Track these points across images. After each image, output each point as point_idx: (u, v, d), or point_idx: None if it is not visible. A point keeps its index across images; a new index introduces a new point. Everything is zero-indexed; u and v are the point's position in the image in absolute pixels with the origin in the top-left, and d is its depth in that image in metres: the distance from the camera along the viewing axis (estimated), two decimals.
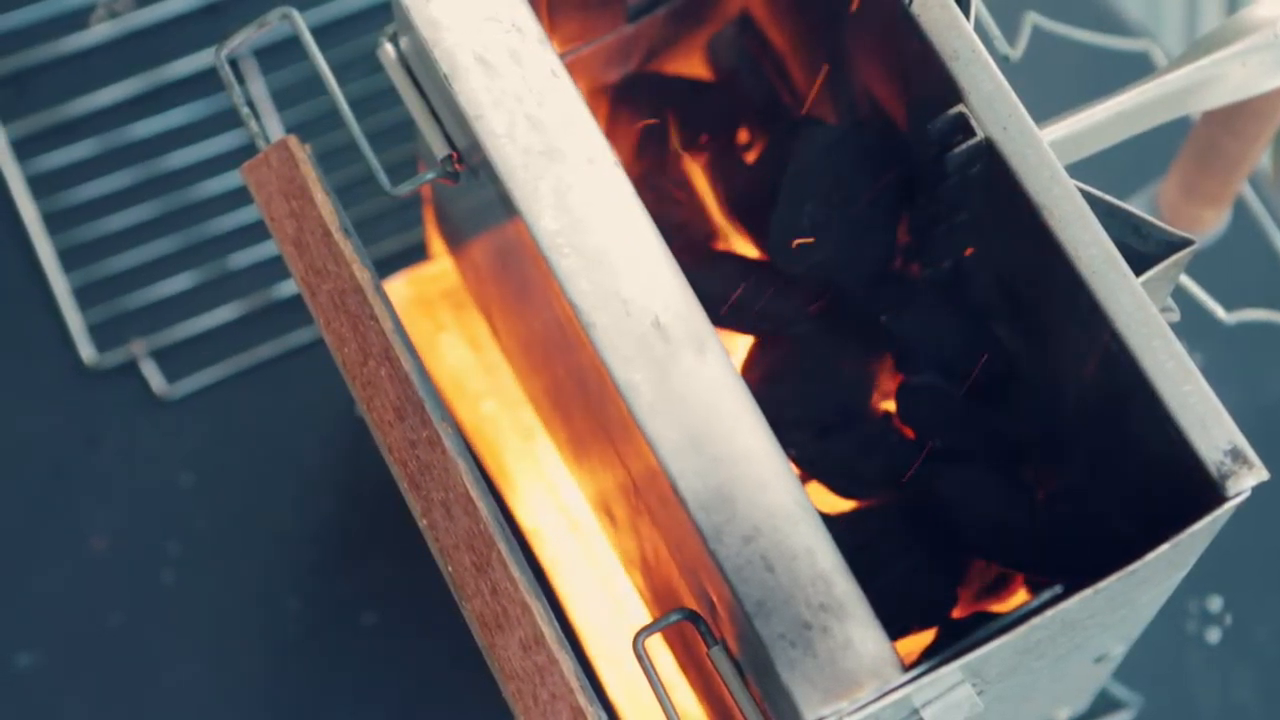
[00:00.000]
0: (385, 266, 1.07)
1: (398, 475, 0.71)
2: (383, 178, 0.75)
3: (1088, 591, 0.65)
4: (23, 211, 1.12)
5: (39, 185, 1.13)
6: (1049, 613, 0.65)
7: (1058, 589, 0.66)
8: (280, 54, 1.15)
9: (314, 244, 0.74)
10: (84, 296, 1.11)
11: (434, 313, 1.02)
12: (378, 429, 0.72)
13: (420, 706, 1.05)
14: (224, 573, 1.07)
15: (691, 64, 0.87)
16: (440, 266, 1.01)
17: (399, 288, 1.01)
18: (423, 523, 0.71)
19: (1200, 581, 1.03)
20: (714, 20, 0.86)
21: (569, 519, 0.98)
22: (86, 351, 1.10)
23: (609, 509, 0.85)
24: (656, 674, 0.66)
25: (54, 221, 1.12)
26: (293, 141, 0.75)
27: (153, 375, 1.10)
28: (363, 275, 0.73)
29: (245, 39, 0.76)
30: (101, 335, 1.11)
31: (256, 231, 1.13)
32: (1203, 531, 0.67)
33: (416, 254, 1.08)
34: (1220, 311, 0.86)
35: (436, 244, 1.00)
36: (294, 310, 1.12)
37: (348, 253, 0.73)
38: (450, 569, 0.69)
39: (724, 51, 0.86)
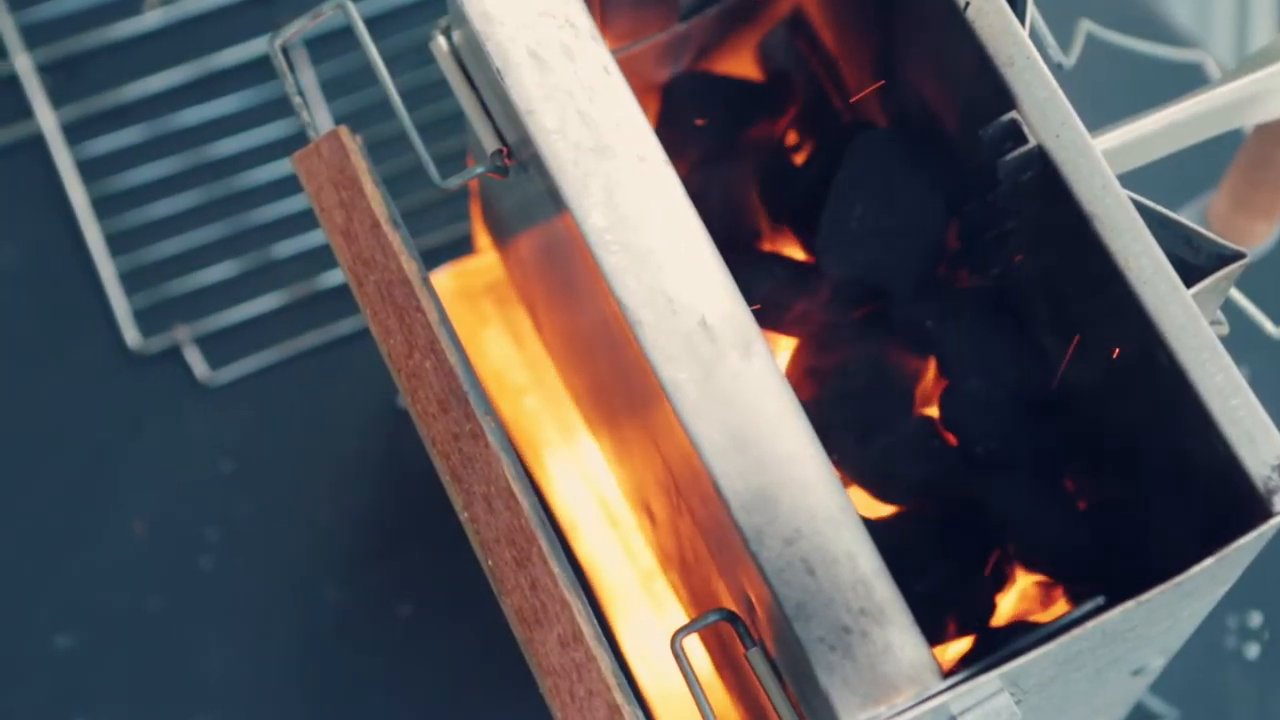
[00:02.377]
0: (430, 259, 1.06)
1: (440, 468, 0.71)
2: (432, 170, 0.75)
3: (1130, 604, 0.65)
4: (72, 195, 1.13)
5: (88, 170, 1.14)
6: (1090, 624, 0.65)
7: (1100, 600, 0.66)
8: (331, 44, 1.16)
9: (363, 235, 0.74)
10: (130, 281, 1.12)
11: (478, 306, 1.02)
12: (421, 421, 0.72)
13: (455, 698, 1.05)
14: (262, 560, 1.07)
15: (742, 64, 0.87)
16: (485, 260, 1.01)
17: (444, 280, 1.01)
18: (464, 516, 0.71)
19: (1241, 597, 1.02)
20: (765, 20, 0.86)
21: (608, 516, 0.98)
22: (131, 336, 1.11)
23: (649, 507, 0.85)
24: (694, 674, 0.66)
25: (102, 206, 1.13)
26: (344, 132, 0.75)
27: (196, 361, 1.11)
28: (410, 267, 0.73)
29: (300, 29, 0.76)
30: (146, 320, 1.11)
31: (302, 221, 1.13)
32: (1248, 546, 0.66)
33: (461, 247, 1.08)
34: (1269, 325, 0.86)
35: (482, 238, 1.00)
36: (337, 300, 1.12)
37: (396, 244, 0.73)
38: (490, 563, 0.69)
39: (775, 52, 0.86)
